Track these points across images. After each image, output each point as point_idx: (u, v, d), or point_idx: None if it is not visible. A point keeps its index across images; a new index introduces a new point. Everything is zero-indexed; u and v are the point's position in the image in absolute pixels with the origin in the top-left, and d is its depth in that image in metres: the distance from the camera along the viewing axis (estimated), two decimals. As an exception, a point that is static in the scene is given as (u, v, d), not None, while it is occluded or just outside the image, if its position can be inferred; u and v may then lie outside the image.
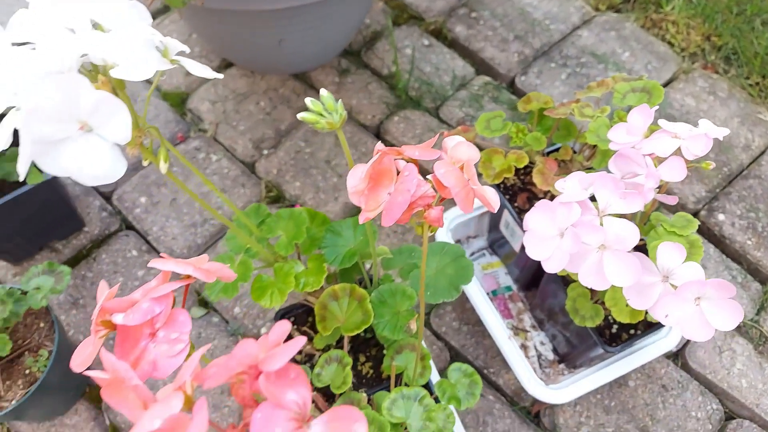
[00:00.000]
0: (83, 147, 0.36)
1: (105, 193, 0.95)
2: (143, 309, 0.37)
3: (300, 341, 0.30)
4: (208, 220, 0.92)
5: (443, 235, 0.85)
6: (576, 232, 0.48)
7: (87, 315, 0.83)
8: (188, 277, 0.40)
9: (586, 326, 0.64)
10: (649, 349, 0.75)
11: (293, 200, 0.94)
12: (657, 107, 0.58)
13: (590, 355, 0.75)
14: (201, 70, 0.41)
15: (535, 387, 0.73)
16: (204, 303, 0.87)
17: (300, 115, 0.43)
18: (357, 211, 0.95)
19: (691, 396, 0.80)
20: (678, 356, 0.83)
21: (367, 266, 0.76)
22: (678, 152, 0.52)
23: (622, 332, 0.69)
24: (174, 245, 0.90)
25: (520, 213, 0.74)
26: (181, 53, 0.42)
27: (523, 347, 0.82)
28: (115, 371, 0.35)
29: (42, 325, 0.70)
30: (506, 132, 0.70)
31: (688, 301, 0.48)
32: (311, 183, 0.96)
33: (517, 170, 0.77)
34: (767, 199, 0.96)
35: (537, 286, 0.85)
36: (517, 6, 1.17)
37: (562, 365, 0.81)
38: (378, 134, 1.03)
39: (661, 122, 0.54)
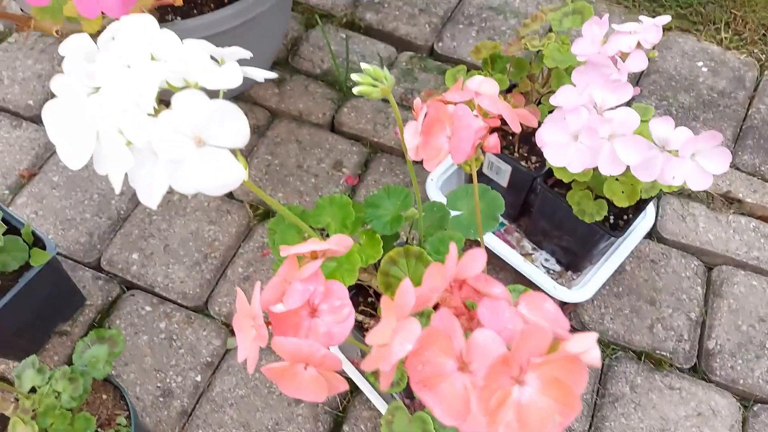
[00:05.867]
0: (203, 161, 0.38)
1: (91, 263, 0.92)
2: (300, 291, 0.40)
3: (479, 251, 0.35)
4: (208, 254, 0.92)
5: (434, 191, 0.92)
6: (591, 128, 0.57)
7: (131, 383, 0.82)
8: (315, 254, 0.44)
9: (595, 221, 0.74)
10: (636, 233, 0.86)
11: (281, 211, 0.97)
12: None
13: (593, 253, 0.85)
14: (261, 73, 0.44)
15: (562, 292, 0.82)
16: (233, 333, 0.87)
17: (356, 90, 0.48)
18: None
19: (676, 261, 0.93)
20: (652, 234, 0.96)
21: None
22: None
23: (617, 221, 0.80)
24: (185, 288, 0.89)
25: (502, 151, 0.83)
26: (242, 60, 0.45)
27: (535, 266, 0.91)
28: (296, 353, 0.39)
29: (105, 396, 0.68)
30: (474, 82, 0.78)
31: (686, 158, 0.58)
32: (292, 190, 0.99)
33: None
34: (671, 87, 1.12)
35: (525, 215, 0.94)
36: (410, -16, 1.26)
37: (569, 272, 0.91)
38: (333, 128, 1.08)
39: (614, 26, 0.64)
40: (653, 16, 1.22)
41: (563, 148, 0.58)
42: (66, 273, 0.81)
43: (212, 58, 0.45)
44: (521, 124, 0.50)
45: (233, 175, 0.39)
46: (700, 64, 1.16)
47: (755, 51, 1.18)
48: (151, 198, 0.37)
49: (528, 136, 0.84)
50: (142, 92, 0.39)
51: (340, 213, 0.62)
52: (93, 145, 0.41)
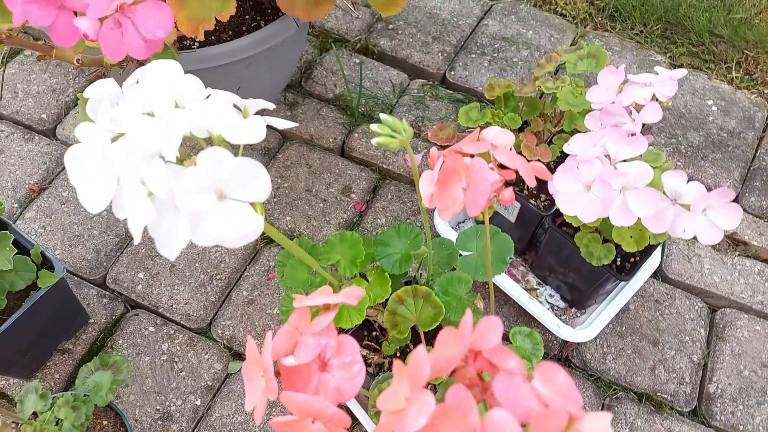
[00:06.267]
0: (223, 214, 0.39)
1: (96, 281, 0.92)
2: (311, 345, 0.40)
3: (496, 321, 0.35)
4: (214, 276, 0.92)
5: (442, 224, 0.92)
6: (605, 181, 0.57)
7: (130, 404, 0.82)
8: (328, 306, 0.44)
9: (602, 264, 0.74)
10: (642, 273, 0.87)
11: (289, 234, 0.97)
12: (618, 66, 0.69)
13: (599, 293, 0.85)
14: (285, 124, 0.45)
15: (566, 331, 0.82)
16: (238, 356, 0.87)
17: (375, 141, 0.48)
18: (351, 229, 1.00)
19: (680, 302, 0.93)
20: (658, 273, 0.96)
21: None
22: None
23: (624, 263, 0.80)
24: (189, 309, 0.89)
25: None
26: (262, 111, 0.45)
27: (539, 302, 0.91)
28: (305, 408, 0.39)
29: (105, 423, 0.68)
30: (486, 120, 0.79)
31: (698, 213, 0.59)
32: (300, 214, 0.99)
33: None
34: (681, 125, 1.13)
35: (530, 250, 0.94)
36: (424, 11, 1.27)
37: (573, 309, 0.91)
38: (343, 153, 1.08)
39: (630, 77, 0.64)
40: (665, 53, 1.23)
41: (575, 197, 0.59)
42: (72, 293, 0.81)
43: (235, 106, 0.46)
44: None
45: (253, 228, 0.39)
46: (710, 102, 1.16)
47: (766, 92, 1.18)
48: (171, 250, 0.38)
49: (538, 174, 0.84)
50: (165, 143, 0.39)
51: (351, 251, 0.63)
52: (113, 190, 0.42)
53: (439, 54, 1.20)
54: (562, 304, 0.91)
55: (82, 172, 0.42)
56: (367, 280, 0.64)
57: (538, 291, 0.92)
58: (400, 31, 1.23)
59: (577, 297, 0.89)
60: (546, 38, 1.23)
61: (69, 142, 1.05)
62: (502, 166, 0.52)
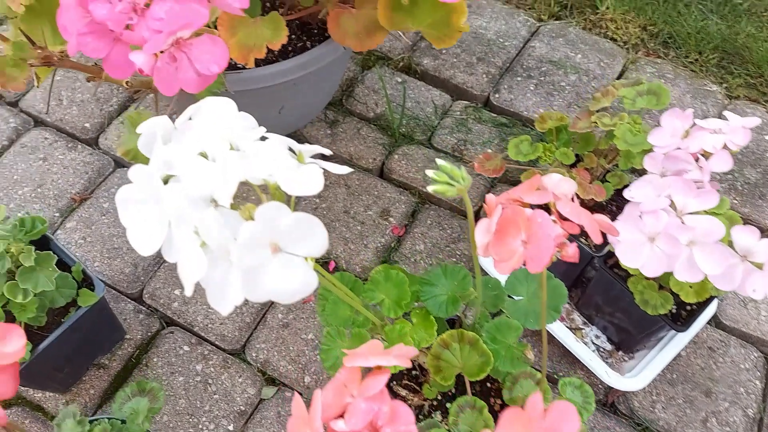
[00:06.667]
0: (278, 268, 0.37)
1: (133, 294, 0.92)
2: (363, 410, 0.38)
3: (571, 410, 0.32)
4: (249, 297, 0.91)
5: (486, 258, 0.89)
6: (671, 235, 0.54)
7: (163, 425, 0.81)
8: (379, 368, 0.42)
9: (659, 314, 0.70)
10: (699, 320, 0.82)
11: (325, 257, 0.96)
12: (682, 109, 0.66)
13: (651, 339, 0.81)
14: (342, 170, 0.43)
15: (615, 379, 0.79)
16: (272, 381, 0.86)
17: (431, 188, 0.46)
18: (388, 254, 0.98)
19: (735, 351, 0.89)
20: (712, 319, 0.92)
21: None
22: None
23: (680, 311, 0.76)
24: (224, 330, 0.88)
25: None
26: (319, 155, 0.44)
27: (584, 343, 0.87)
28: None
29: (138, 448, 0.67)
30: (538, 154, 0.76)
31: (770, 272, 0.55)
32: (338, 236, 0.98)
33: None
34: (738, 160, 1.08)
35: (577, 287, 0.91)
36: (470, 31, 1.25)
37: (620, 353, 0.87)
38: (382, 174, 1.06)
39: (697, 122, 0.61)
40: (721, 83, 1.18)
41: (637, 248, 0.56)
42: (110, 311, 0.81)
43: (290, 149, 0.44)
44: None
45: (308, 283, 0.38)
46: None
47: (828, 127, 1.12)
48: (223, 305, 0.36)
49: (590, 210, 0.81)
50: (220, 190, 0.37)
51: (396, 291, 0.60)
52: (164, 234, 0.40)
53: (484, 75, 1.17)
54: (609, 346, 0.87)
55: (133, 214, 0.41)
56: (411, 321, 0.62)
57: (583, 331, 0.89)
58: (444, 51, 1.21)
59: (625, 340, 0.85)
60: (595, 63, 1.20)
61: (110, 152, 1.06)
62: (563, 217, 0.49)
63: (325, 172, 0.41)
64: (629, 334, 0.84)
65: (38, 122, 1.09)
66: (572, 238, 0.80)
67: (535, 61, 1.20)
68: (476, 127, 1.12)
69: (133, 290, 0.92)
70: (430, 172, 0.47)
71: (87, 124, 1.08)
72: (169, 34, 0.40)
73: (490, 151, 1.08)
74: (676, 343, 0.82)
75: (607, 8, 1.25)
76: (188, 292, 0.37)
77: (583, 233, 0.81)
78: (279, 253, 0.37)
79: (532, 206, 0.49)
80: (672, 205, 0.56)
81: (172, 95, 0.44)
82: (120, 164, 1.05)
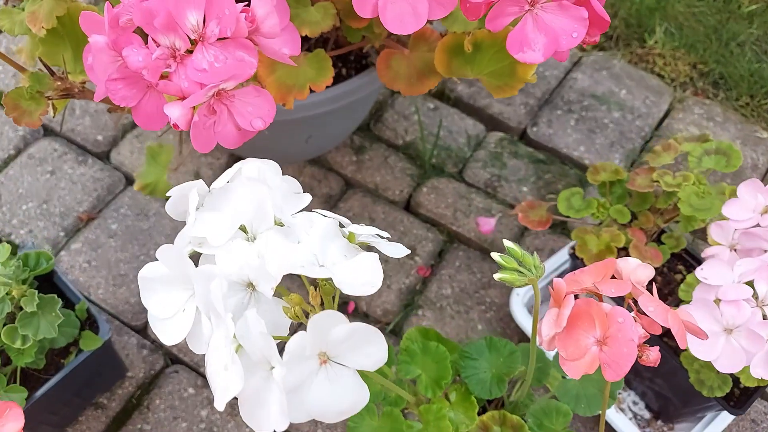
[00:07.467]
0: (324, 383, 0.30)
1: (137, 327, 0.85)
2: None
3: None
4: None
5: (520, 309, 0.83)
6: (753, 331, 0.47)
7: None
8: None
9: (714, 396, 0.64)
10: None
11: (345, 299, 0.89)
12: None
13: (697, 415, 0.75)
14: (400, 251, 0.37)
15: (658, 459, 0.72)
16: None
17: (497, 276, 0.40)
18: (412, 297, 0.91)
19: (782, 427, 0.82)
20: (756, 388, 0.85)
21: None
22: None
23: (734, 389, 0.70)
24: (234, 374, 0.82)
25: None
26: (377, 236, 0.37)
27: (620, 410, 0.81)
28: None
29: None
30: (591, 211, 0.69)
31: None
32: (360, 276, 0.91)
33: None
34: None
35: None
36: (508, 56, 1.18)
37: (659, 421, 0.80)
38: (408, 208, 1.00)
39: (783, 197, 0.54)
40: (772, 130, 1.11)
41: (711, 339, 0.49)
42: (114, 351, 0.75)
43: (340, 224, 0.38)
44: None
45: (358, 402, 0.31)
46: (821, 190, 1.04)
47: None
48: (264, 426, 0.30)
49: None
50: (263, 280, 0.31)
51: (435, 367, 0.54)
52: (191, 322, 0.34)
53: (522, 106, 1.11)
54: (647, 415, 0.81)
55: (158, 295, 0.35)
56: (448, 399, 0.55)
57: (620, 396, 0.82)
58: (480, 78, 1.14)
59: (666, 409, 0.79)
60: (641, 100, 1.13)
61: (122, 168, 1.00)
62: (640, 310, 0.43)
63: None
64: (671, 403, 0.77)
65: (48, 131, 1.03)
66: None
67: (577, 94, 1.13)
68: (511, 162, 1.05)
69: (137, 322, 0.86)
70: (496, 256, 0.41)
71: (99, 137, 1.02)
72: (212, 87, 0.34)
73: (530, 197, 1.01)
74: (721, 420, 0.75)
75: (656, 42, 1.19)
76: (220, 407, 0.31)
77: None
78: (327, 365, 0.31)
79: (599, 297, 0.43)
80: (755, 296, 0.50)
81: (208, 152, 0.38)
82: (131, 181, 0.99)
